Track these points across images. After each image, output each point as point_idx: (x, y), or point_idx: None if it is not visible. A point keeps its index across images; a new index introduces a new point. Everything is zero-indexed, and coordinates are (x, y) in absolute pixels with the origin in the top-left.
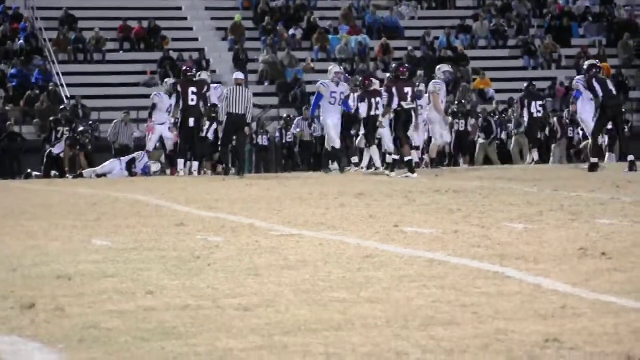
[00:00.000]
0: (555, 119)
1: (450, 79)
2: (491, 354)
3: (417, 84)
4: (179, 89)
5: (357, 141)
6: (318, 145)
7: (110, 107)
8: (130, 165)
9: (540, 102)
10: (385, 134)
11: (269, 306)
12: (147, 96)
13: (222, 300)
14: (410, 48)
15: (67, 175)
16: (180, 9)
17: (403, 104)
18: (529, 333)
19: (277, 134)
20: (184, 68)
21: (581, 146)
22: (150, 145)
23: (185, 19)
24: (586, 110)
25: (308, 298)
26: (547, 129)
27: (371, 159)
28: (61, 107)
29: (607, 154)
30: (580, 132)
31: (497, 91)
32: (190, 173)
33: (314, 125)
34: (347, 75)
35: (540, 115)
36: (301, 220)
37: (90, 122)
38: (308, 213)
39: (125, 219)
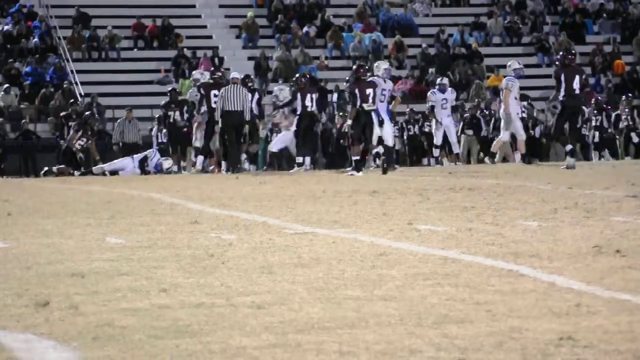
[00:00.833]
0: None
1: (521, 75)
2: (505, 352)
3: (440, 79)
4: (202, 91)
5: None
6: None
7: (125, 104)
8: (142, 163)
9: (524, 102)
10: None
11: (282, 304)
12: (161, 94)
13: (236, 298)
14: (424, 45)
15: (79, 170)
16: (194, 6)
17: (364, 105)
18: (543, 331)
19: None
20: (211, 69)
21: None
22: (198, 142)
23: (199, 16)
24: (512, 107)
25: (321, 296)
26: (537, 128)
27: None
28: (71, 101)
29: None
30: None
31: None
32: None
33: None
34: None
35: (524, 115)
36: (315, 218)
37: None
38: (322, 211)
39: (139, 216)
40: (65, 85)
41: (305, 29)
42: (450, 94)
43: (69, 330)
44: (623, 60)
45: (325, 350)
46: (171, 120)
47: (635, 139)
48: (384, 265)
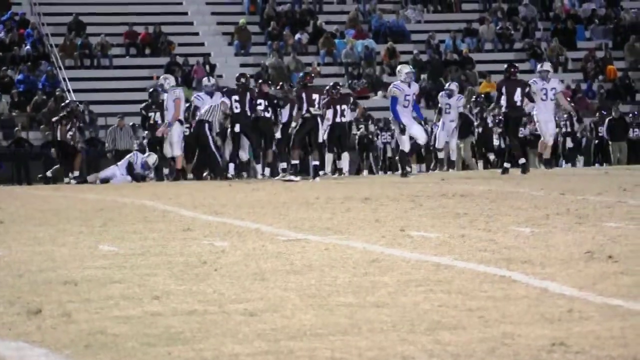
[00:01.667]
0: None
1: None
2: (497, 358)
3: (448, 84)
4: (304, 95)
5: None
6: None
7: (117, 112)
8: (130, 169)
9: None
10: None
11: (275, 311)
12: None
13: (228, 306)
14: (416, 51)
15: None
16: (186, 14)
17: (311, 109)
18: (536, 337)
19: None
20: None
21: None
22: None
23: (191, 23)
24: (541, 110)
25: (314, 303)
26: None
27: (335, 164)
28: (62, 104)
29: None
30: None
31: None
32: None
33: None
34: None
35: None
36: (307, 225)
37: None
38: (314, 217)
39: (131, 224)
40: (57, 93)
41: (297, 35)
42: (456, 101)
43: (61, 338)
44: (615, 65)
45: (318, 357)
46: (151, 121)
47: (569, 144)
48: (377, 272)
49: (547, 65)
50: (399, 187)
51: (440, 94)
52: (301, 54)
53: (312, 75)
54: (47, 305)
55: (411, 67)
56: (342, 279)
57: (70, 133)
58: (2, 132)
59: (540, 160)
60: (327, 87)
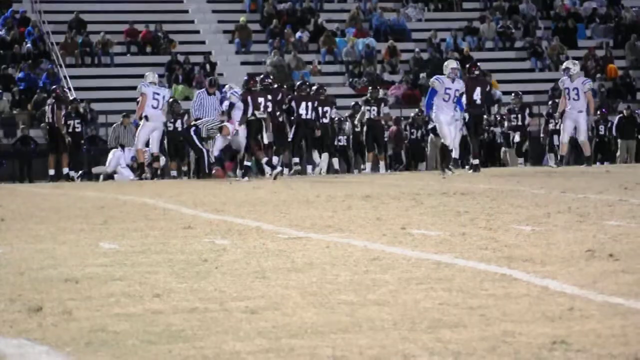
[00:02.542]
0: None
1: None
2: (498, 356)
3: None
4: (249, 99)
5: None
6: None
7: (118, 110)
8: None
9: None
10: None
11: (275, 309)
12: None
13: (229, 303)
14: (417, 50)
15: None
16: (187, 12)
17: (256, 112)
18: (536, 335)
19: None
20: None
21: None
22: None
23: (192, 22)
24: (570, 109)
25: (315, 301)
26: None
27: (330, 164)
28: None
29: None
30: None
31: (504, 93)
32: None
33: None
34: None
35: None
36: (308, 223)
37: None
38: (315, 215)
39: (132, 222)
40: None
41: (298, 34)
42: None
43: (62, 336)
44: (616, 64)
45: (319, 355)
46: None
47: (516, 139)
48: (378, 270)
49: (568, 63)
50: (399, 185)
51: None
52: (302, 52)
53: (256, 79)
54: (48, 303)
55: (458, 63)
56: (343, 277)
57: (62, 120)
58: (3, 130)
59: (557, 160)
60: (298, 83)
